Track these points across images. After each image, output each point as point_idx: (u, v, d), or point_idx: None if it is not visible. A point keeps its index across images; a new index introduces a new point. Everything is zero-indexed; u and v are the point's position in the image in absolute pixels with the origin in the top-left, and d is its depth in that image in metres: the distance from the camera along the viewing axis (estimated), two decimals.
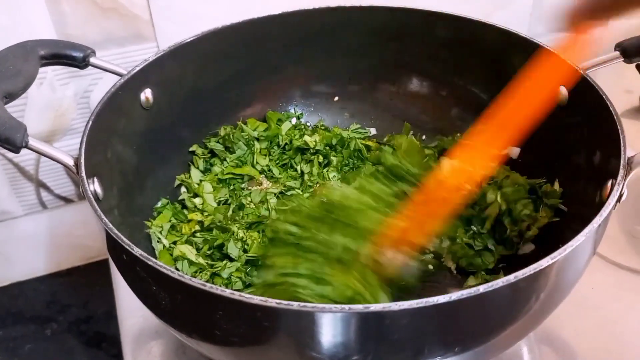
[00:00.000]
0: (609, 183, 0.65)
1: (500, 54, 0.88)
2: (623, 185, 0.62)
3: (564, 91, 0.79)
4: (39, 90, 0.94)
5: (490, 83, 0.90)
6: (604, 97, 0.72)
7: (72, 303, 1.12)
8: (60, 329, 1.09)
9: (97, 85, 0.98)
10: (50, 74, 0.94)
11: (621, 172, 0.63)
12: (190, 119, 0.92)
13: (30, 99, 0.94)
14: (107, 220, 0.61)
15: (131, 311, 0.88)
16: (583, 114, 0.77)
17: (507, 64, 0.87)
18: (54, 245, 1.14)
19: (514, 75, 0.83)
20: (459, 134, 0.97)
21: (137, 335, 0.86)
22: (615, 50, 0.77)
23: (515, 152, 0.91)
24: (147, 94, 0.83)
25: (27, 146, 0.66)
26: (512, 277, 0.52)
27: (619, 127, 0.67)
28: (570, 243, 0.55)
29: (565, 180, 0.82)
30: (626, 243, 0.95)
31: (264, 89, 0.99)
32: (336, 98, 1.03)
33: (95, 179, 0.69)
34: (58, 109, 0.98)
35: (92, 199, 0.63)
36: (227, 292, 0.52)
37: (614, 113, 0.69)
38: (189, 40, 0.86)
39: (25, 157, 1.01)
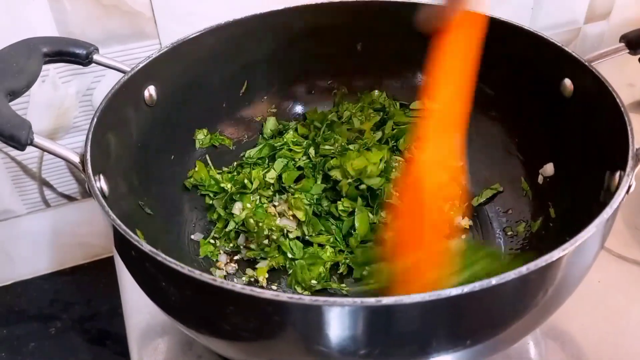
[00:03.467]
0: (617, 175, 0.65)
1: (502, 48, 0.88)
2: (632, 177, 0.62)
3: (569, 83, 0.80)
4: (41, 88, 0.94)
5: (494, 77, 0.90)
6: (610, 88, 0.71)
7: (76, 301, 1.12)
8: (64, 327, 1.08)
9: (100, 83, 0.97)
10: (52, 71, 0.93)
11: (630, 163, 0.63)
12: (194, 115, 0.93)
13: (33, 96, 0.94)
14: (114, 216, 0.60)
15: (137, 308, 0.88)
16: (589, 106, 0.77)
17: (510, 57, 0.87)
18: (57, 243, 1.13)
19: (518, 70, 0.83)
20: None
21: (144, 332, 0.86)
22: (620, 42, 0.77)
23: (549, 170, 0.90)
24: (150, 91, 0.82)
25: (32, 143, 0.66)
26: (524, 269, 0.52)
27: (626, 119, 0.67)
28: (580, 234, 0.55)
29: (573, 173, 0.82)
30: (631, 236, 0.95)
31: (269, 84, 0.99)
32: None
33: (101, 176, 0.69)
34: (60, 106, 0.97)
35: (100, 196, 0.63)
36: (238, 287, 0.52)
37: (620, 105, 0.69)
38: (192, 36, 0.86)
39: (28, 155, 1.00)
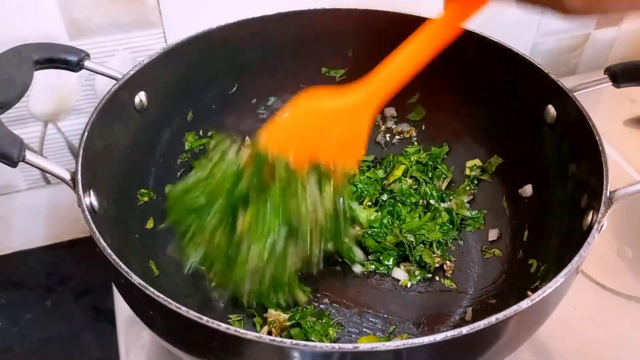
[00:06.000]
0: (591, 214, 0.67)
1: (491, 68, 0.89)
2: (603, 223, 0.64)
3: (552, 110, 0.80)
4: (44, 72, 0.93)
5: (479, 97, 0.91)
6: (591, 123, 0.72)
7: (73, 274, 1.14)
8: (60, 299, 1.10)
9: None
10: None
11: (602, 208, 0.64)
12: (184, 118, 0.93)
13: (36, 79, 0.93)
14: (104, 244, 0.63)
15: None
16: (569, 136, 0.78)
17: (496, 79, 0.88)
18: (56, 216, 1.15)
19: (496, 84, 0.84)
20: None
21: (131, 317, 0.86)
22: (604, 74, 0.78)
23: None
24: (141, 97, 0.83)
25: (24, 160, 0.67)
26: (493, 319, 0.55)
27: (603, 160, 0.68)
28: (549, 284, 0.58)
29: (550, 197, 0.83)
30: (613, 263, 0.95)
31: (259, 88, 0.99)
32: None
33: (92, 191, 0.71)
34: (62, 90, 0.98)
35: (90, 220, 0.65)
36: (222, 327, 0.54)
37: (599, 143, 0.69)
38: (182, 41, 0.85)
39: (29, 133, 1.01)
